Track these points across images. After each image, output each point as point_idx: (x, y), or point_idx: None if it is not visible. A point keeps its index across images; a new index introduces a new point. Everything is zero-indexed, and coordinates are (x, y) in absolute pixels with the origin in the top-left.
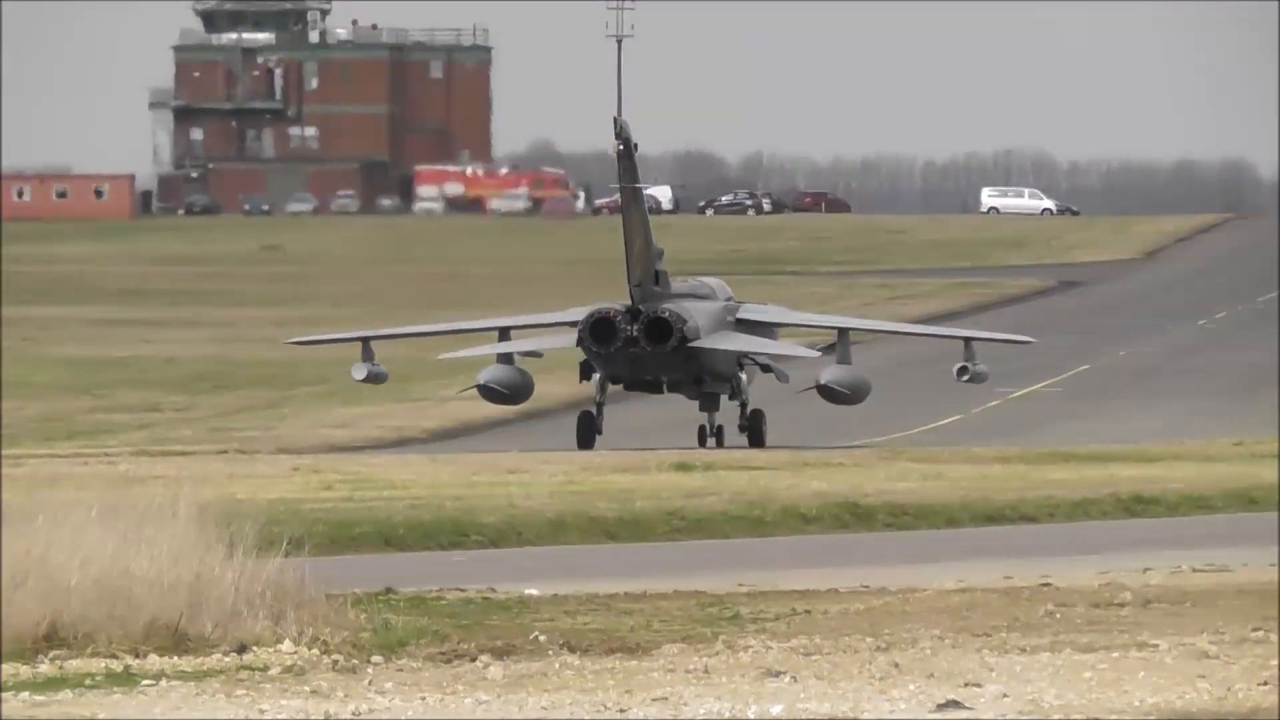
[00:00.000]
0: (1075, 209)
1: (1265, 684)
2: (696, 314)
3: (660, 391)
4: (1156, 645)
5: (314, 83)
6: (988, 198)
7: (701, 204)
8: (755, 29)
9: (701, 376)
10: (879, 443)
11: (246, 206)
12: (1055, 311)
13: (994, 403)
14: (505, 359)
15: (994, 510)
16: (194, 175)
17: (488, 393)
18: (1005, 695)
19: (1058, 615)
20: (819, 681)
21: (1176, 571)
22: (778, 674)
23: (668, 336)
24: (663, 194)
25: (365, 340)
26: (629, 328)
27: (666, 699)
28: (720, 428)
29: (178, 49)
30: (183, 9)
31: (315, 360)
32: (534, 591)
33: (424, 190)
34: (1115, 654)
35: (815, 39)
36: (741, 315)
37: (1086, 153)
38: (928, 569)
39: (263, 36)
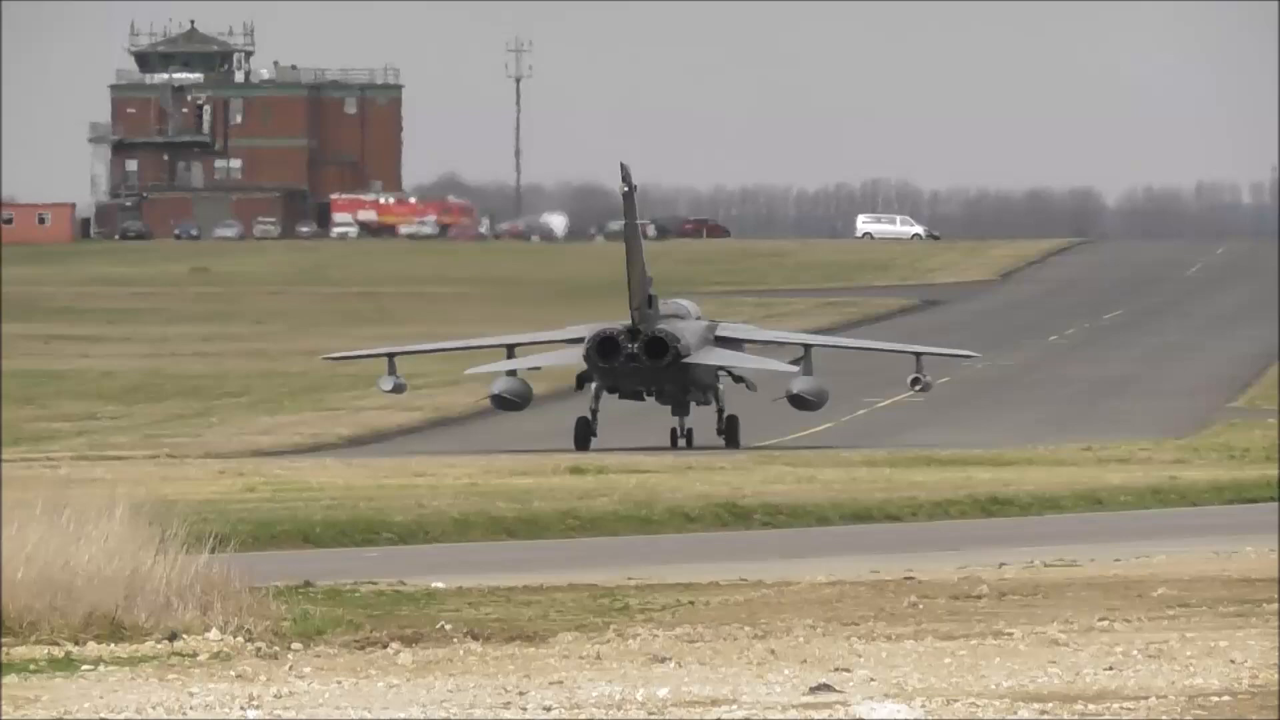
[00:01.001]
0: (937, 234)
1: (1110, 669)
2: (686, 333)
3: (643, 399)
4: (1011, 633)
5: (239, 118)
6: (862, 224)
7: (592, 230)
8: (643, 71)
9: (688, 387)
10: (758, 448)
11: (177, 232)
12: (918, 328)
13: (861, 411)
14: (512, 372)
15: (862, 510)
16: (129, 204)
17: (500, 402)
18: (872, 679)
19: (920, 606)
20: (701, 666)
21: (1029, 566)
22: (664, 660)
23: (664, 353)
24: (557, 222)
25: (391, 355)
26: (630, 345)
27: (562, 683)
28: (690, 430)
29: (114, 88)
30: (119, 50)
31: (240, 373)
32: (440, 584)
33: (340, 217)
34: (973, 641)
35: (700, 79)
36: (719, 333)
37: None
38: (801, 564)
39: (192, 76)
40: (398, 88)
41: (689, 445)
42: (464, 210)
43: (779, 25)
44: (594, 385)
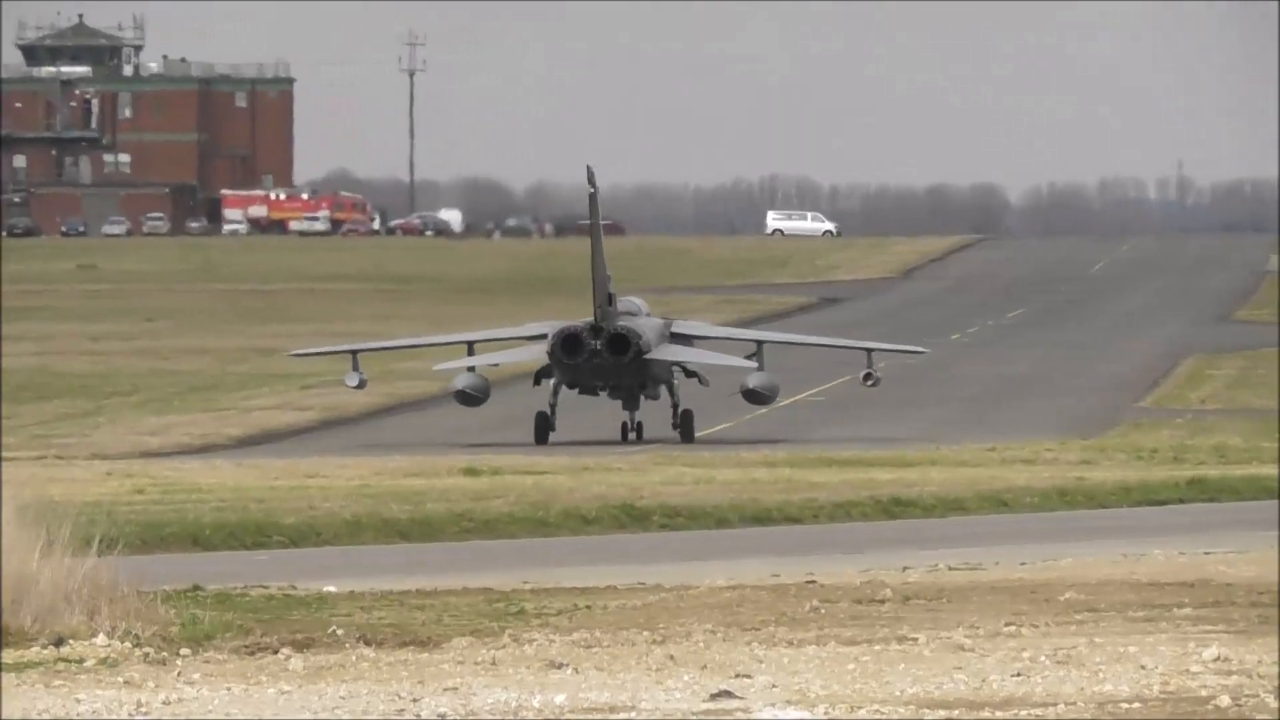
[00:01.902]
0: (837, 230)
1: (1018, 675)
2: (645, 330)
3: (597, 395)
4: (915, 639)
5: (128, 112)
6: (773, 220)
7: (489, 226)
8: (537, 67)
9: (646, 382)
10: (650, 449)
11: (64, 229)
12: (818, 326)
13: (761, 411)
14: (470, 369)
15: (762, 511)
16: (16, 200)
17: (463, 397)
18: (774, 685)
19: (822, 610)
20: (599, 672)
21: (933, 569)
22: (560, 665)
23: (626, 349)
24: (453, 217)
25: (354, 352)
26: (593, 342)
27: (457, 689)
28: (640, 424)
29: (1, 82)
30: (6, 44)
31: (129, 372)
32: (332, 588)
33: (230, 213)
34: (877, 647)
35: (590, 76)
36: (674, 329)
37: (847, 178)
38: (700, 567)
39: (80, 70)
40: (289, 81)
41: (639, 438)
42: (357, 206)
43: (674, 20)
44: (553, 381)
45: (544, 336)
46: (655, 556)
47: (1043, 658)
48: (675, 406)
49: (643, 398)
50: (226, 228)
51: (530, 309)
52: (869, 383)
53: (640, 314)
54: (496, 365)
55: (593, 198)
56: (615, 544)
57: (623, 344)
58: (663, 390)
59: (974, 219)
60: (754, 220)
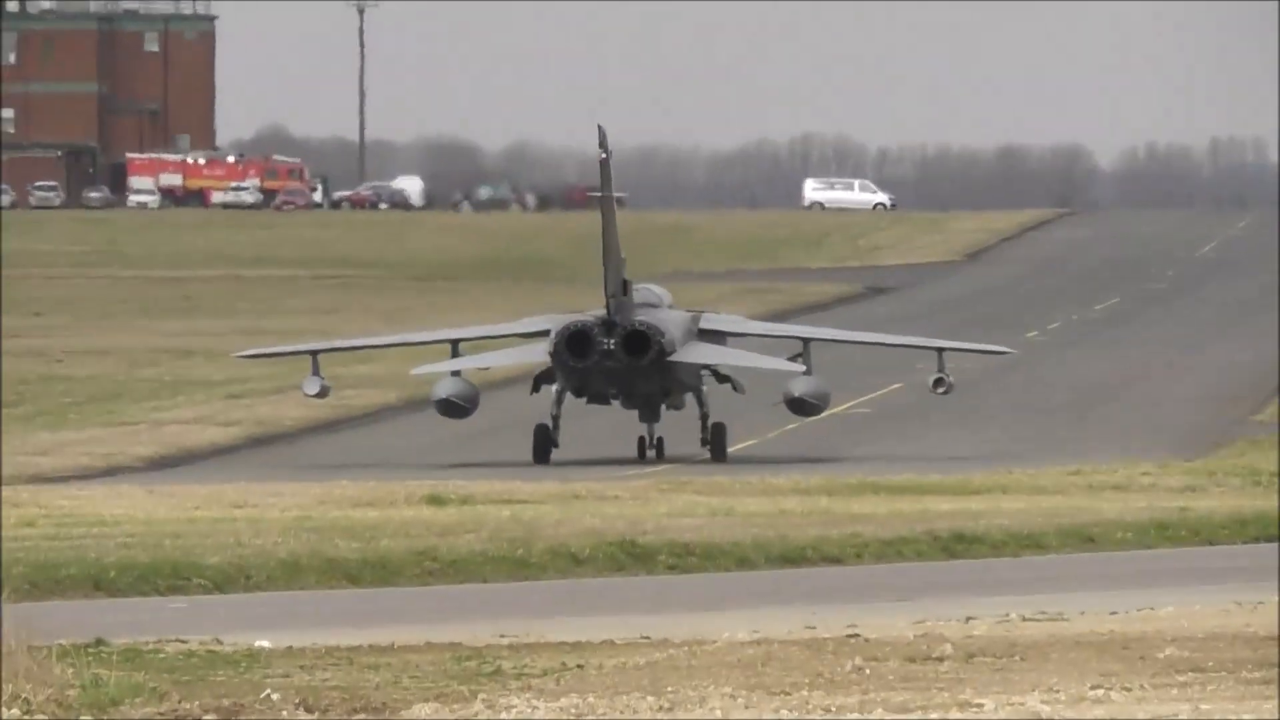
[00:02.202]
0: (892, 202)
1: None
2: (669, 325)
3: (608, 403)
4: (981, 705)
5: (11, 58)
6: (811, 191)
7: (457, 197)
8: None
9: (669, 389)
10: (659, 471)
11: None
12: (862, 321)
13: (791, 426)
14: (456, 373)
15: (792, 550)
16: None
17: (448, 407)
18: None
19: (867, 671)
20: None
21: (1004, 620)
22: None
23: (646, 349)
24: (412, 186)
25: (314, 353)
26: (606, 341)
27: None
28: (660, 439)
29: None
30: None
31: (15, 378)
32: (265, 643)
33: (137, 181)
34: (934, 715)
35: (582, 15)
36: (703, 325)
37: (897, 138)
38: (717, 617)
39: None
40: (210, 19)
41: (660, 456)
42: (293, 173)
43: None
44: (556, 388)
45: (545, 334)
46: (662, 604)
47: None
48: (704, 418)
49: (664, 408)
50: (133, 199)
51: (511, 301)
52: (940, 389)
53: (661, 305)
54: (487, 369)
55: (604, 163)
56: (612, 589)
57: (642, 342)
58: (688, 399)
59: (1055, 189)
60: (783, 190)
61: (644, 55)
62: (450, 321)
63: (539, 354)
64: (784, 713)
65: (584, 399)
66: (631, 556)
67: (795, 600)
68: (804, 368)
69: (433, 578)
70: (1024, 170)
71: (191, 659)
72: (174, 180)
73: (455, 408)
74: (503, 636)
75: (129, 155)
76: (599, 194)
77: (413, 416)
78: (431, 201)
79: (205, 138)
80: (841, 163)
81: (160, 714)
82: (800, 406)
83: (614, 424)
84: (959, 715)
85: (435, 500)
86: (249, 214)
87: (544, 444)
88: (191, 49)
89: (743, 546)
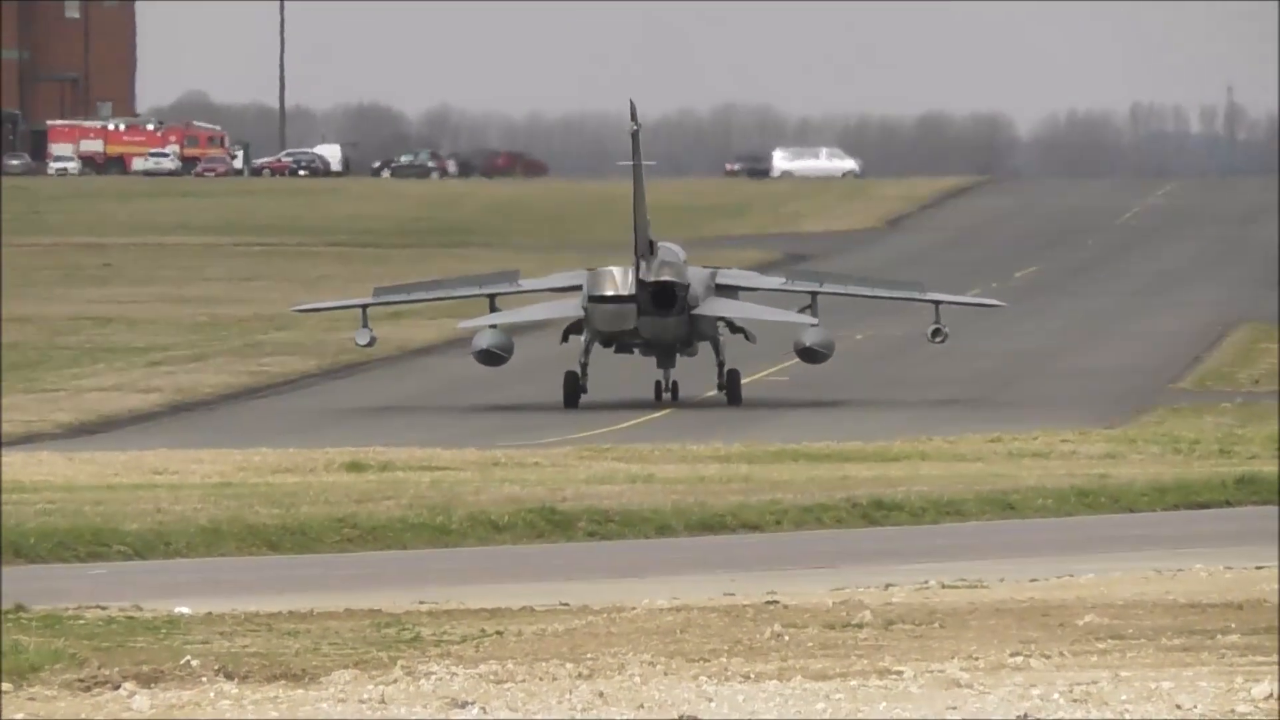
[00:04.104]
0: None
1: (1026, 717)
2: (693, 281)
3: (632, 352)
4: (900, 672)
5: None
6: (780, 160)
7: (377, 164)
8: None
9: (691, 340)
10: (580, 439)
11: None
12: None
13: (710, 393)
14: (493, 326)
15: (712, 517)
16: None
17: (487, 357)
18: None
19: (786, 637)
20: (512, 714)
21: (923, 587)
22: (465, 704)
23: (672, 303)
24: (331, 154)
25: (364, 307)
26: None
27: None
28: (675, 382)
29: None
30: None
31: None
32: (185, 610)
33: (58, 149)
34: (853, 682)
35: None
36: (719, 280)
37: (818, 108)
38: (637, 584)
39: None
40: None
41: (675, 398)
42: (213, 139)
43: None
44: (585, 338)
45: (577, 289)
46: (581, 571)
47: (1056, 695)
48: (720, 365)
49: (679, 355)
50: (53, 166)
51: (432, 267)
52: (937, 339)
53: (679, 262)
54: (532, 321)
55: (635, 135)
56: (532, 556)
57: (669, 297)
58: (702, 347)
59: (975, 156)
60: (703, 159)
61: (569, 22)
62: (366, 290)
63: (573, 308)
64: (703, 679)
65: (612, 349)
66: (551, 523)
67: (714, 567)
68: (815, 320)
69: (352, 544)
70: (944, 137)
71: (111, 625)
72: (95, 147)
73: (494, 356)
74: (422, 603)
75: (49, 122)
76: (630, 163)
77: (336, 383)
78: (351, 168)
79: (126, 105)
80: (764, 132)
81: (80, 680)
82: (810, 354)
83: (631, 369)
84: (878, 682)
85: (355, 467)
86: (169, 181)
87: (573, 389)
88: (112, 16)
89: (662, 513)
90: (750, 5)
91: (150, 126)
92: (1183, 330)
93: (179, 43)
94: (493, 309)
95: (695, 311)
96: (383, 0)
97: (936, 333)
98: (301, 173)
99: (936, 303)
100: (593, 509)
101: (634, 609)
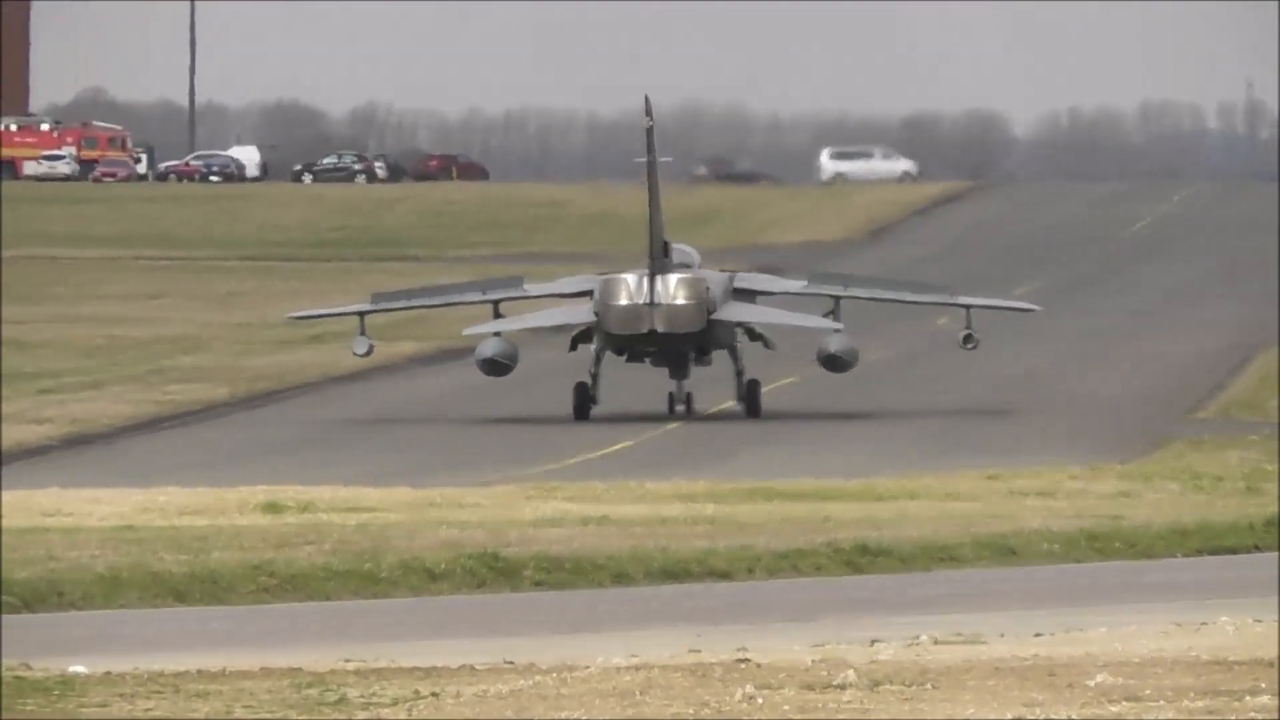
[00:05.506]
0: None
1: None
2: (711, 285)
3: (643, 361)
4: None
5: None
6: (829, 163)
7: (297, 168)
8: None
9: (708, 348)
10: (526, 475)
11: None
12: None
13: (672, 425)
14: (496, 334)
15: (675, 564)
16: None
17: (491, 366)
18: None
19: (759, 700)
20: None
21: (913, 643)
22: None
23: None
24: (248, 156)
25: (362, 314)
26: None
27: None
28: (689, 394)
29: None
30: None
31: None
32: (81, 669)
33: None
34: None
35: None
36: (737, 284)
37: (792, 106)
38: (590, 639)
39: None
40: None
41: (689, 412)
42: (114, 141)
43: None
44: (595, 346)
45: (588, 294)
46: (528, 626)
47: None
48: (739, 375)
49: (693, 365)
50: None
51: (358, 283)
52: (969, 345)
53: (695, 266)
54: (536, 329)
55: (650, 131)
56: (472, 607)
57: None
58: (716, 357)
59: (967, 159)
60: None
61: (514, 8)
62: (287, 307)
63: (584, 314)
64: None
65: (624, 358)
66: (494, 571)
67: (678, 620)
68: (839, 325)
69: (269, 595)
70: (933, 139)
71: None
72: None
73: (498, 366)
74: (348, 661)
75: None
76: (644, 160)
77: (251, 415)
78: (269, 172)
79: (18, 102)
80: (732, 130)
81: None
82: (834, 362)
83: (644, 381)
84: None
85: (272, 508)
86: (64, 187)
87: (584, 401)
88: (5, 7)
89: (619, 559)
90: None
91: (44, 126)
92: (1202, 353)
93: (78, 34)
94: (496, 315)
95: (714, 316)
96: None
97: (968, 338)
98: (213, 178)
99: (967, 307)
100: (541, 555)
101: (587, 668)
